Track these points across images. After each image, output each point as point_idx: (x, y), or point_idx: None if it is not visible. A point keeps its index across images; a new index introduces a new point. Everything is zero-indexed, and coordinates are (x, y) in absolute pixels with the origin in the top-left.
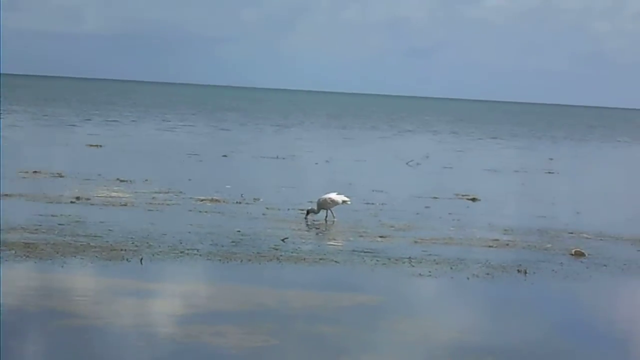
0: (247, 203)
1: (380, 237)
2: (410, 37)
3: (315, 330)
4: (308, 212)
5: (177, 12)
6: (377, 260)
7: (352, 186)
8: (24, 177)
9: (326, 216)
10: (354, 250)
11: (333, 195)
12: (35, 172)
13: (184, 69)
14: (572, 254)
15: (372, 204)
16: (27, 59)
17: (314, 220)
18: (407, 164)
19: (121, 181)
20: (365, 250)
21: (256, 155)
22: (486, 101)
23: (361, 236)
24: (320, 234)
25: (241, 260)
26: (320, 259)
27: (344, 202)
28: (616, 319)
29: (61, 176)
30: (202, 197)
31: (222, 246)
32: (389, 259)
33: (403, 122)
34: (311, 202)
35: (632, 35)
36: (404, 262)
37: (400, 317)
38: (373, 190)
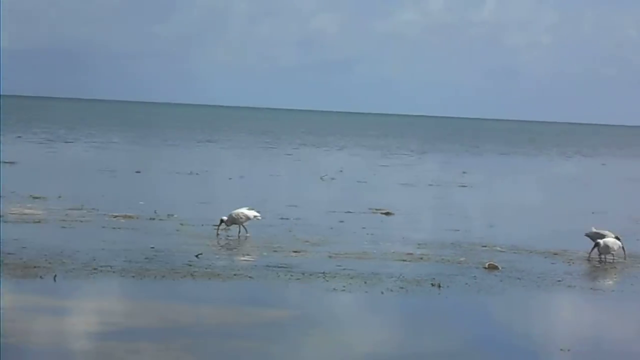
0: (160, 219)
1: (295, 252)
2: (324, 52)
3: (230, 346)
4: (221, 222)
5: (88, 28)
6: (292, 275)
7: (266, 201)
8: None
9: (239, 231)
10: (268, 266)
11: (244, 210)
12: None
13: (97, 84)
14: (485, 268)
15: (287, 218)
16: None
17: (227, 236)
18: (321, 178)
19: (34, 198)
20: (280, 266)
21: (170, 171)
22: (403, 115)
23: (275, 251)
24: (234, 250)
25: (155, 277)
26: (235, 275)
27: (255, 217)
28: (529, 332)
29: None
30: (115, 214)
31: (136, 262)
32: (303, 274)
33: (323, 137)
34: (224, 218)
35: (546, 48)
36: (318, 277)
37: (315, 331)
38: (287, 205)
